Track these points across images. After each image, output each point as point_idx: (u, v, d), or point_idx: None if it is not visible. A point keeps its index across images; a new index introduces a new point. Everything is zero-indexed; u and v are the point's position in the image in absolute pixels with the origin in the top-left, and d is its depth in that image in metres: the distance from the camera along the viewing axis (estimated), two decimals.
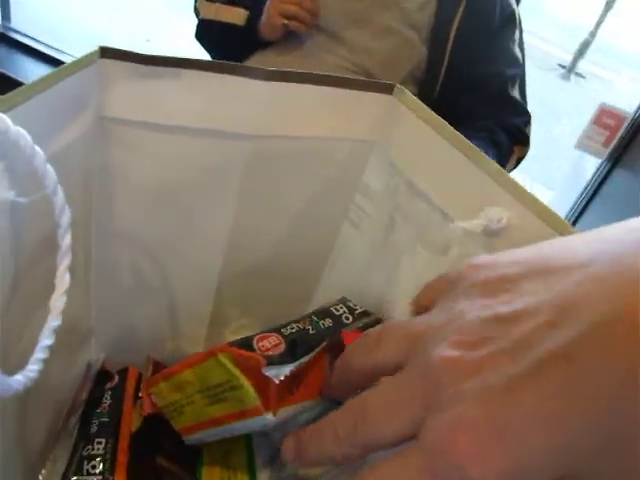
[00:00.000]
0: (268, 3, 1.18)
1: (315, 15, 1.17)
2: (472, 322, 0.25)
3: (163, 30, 4.44)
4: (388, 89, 0.48)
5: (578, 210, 2.13)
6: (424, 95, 1.22)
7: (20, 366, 0.28)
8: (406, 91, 0.47)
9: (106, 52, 0.38)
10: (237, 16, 1.24)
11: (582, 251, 0.24)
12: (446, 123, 0.42)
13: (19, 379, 0.26)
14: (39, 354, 0.27)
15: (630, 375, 0.20)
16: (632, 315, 0.20)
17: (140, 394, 0.52)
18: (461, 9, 1.19)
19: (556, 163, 3.67)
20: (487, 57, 1.23)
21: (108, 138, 0.43)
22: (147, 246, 0.51)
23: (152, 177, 0.46)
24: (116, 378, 0.55)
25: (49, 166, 0.27)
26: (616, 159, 2.01)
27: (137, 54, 0.39)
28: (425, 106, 0.45)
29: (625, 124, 1.97)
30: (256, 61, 1.26)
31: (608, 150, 2.02)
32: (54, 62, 2.55)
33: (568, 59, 6.28)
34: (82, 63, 0.37)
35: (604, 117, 2.01)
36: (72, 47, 2.87)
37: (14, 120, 0.26)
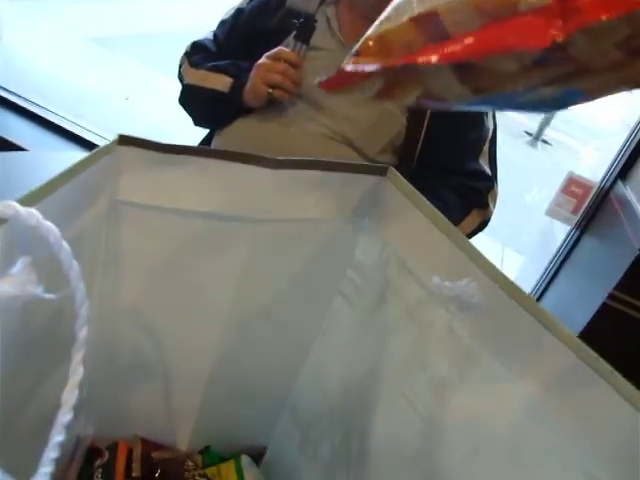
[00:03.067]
0: (253, 72, 1.20)
1: (298, 84, 1.20)
2: None
3: (141, 88, 4.50)
4: (382, 171, 0.50)
5: (549, 276, 2.16)
6: (404, 164, 1.25)
7: (21, 462, 0.26)
8: (397, 173, 0.49)
9: (123, 140, 0.40)
10: (221, 83, 1.27)
11: None
12: (432, 206, 0.44)
13: None
14: (51, 453, 0.26)
15: None
16: None
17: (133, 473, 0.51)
18: None
19: (526, 228, 3.75)
20: (460, 127, 1.26)
21: (119, 219, 0.44)
22: (147, 322, 0.51)
23: (159, 256, 0.47)
24: (106, 454, 0.53)
25: (74, 261, 0.28)
26: (585, 226, 2.06)
27: (152, 142, 0.40)
28: (413, 188, 0.47)
29: (592, 193, 2.03)
30: (239, 127, 1.27)
31: (577, 217, 2.08)
32: (39, 120, 2.57)
33: (534, 127, 6.50)
34: (102, 153, 0.38)
35: (572, 186, 2.07)
36: (56, 105, 2.89)
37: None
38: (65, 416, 0.27)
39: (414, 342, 0.45)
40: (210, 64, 1.30)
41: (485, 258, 0.38)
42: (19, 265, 0.26)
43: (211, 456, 0.65)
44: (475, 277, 0.38)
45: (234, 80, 1.25)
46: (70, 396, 0.27)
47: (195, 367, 0.56)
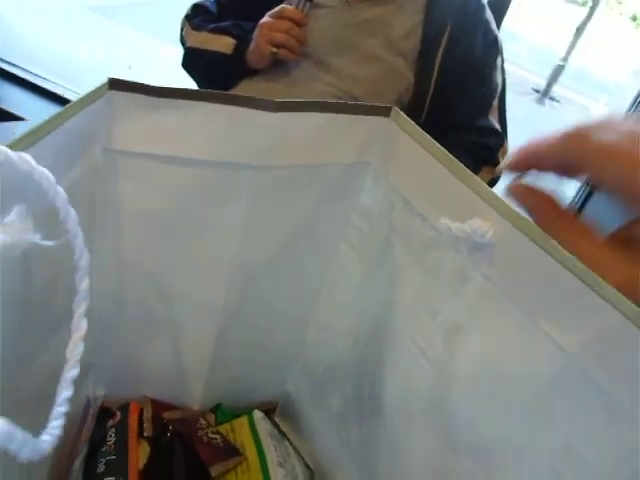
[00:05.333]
0: (257, 31, 1.17)
1: (302, 43, 1.18)
2: None
3: (144, 57, 4.45)
4: (385, 112, 0.48)
5: None
6: (412, 120, 1.23)
7: (31, 421, 0.26)
8: (401, 113, 0.47)
9: (115, 84, 0.38)
10: (224, 45, 1.24)
11: None
12: (439, 146, 0.43)
13: (47, 439, 0.24)
14: (61, 407, 0.25)
15: None
16: None
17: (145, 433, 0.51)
18: (446, 35, 1.21)
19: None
20: (469, 81, 1.24)
21: (115, 170, 0.42)
22: (151, 278, 0.50)
23: (158, 208, 0.46)
24: (118, 415, 0.53)
25: (71, 208, 0.27)
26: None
27: (145, 85, 0.38)
28: (419, 128, 0.46)
29: None
30: (243, 89, 1.25)
31: None
32: (39, 90, 2.54)
33: (542, 84, 6.41)
34: (92, 97, 0.36)
35: None
36: (56, 75, 2.87)
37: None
38: (71, 371, 0.26)
39: (423, 287, 0.44)
40: (212, 26, 1.28)
41: (496, 195, 0.36)
42: (14, 213, 0.25)
43: (224, 413, 0.65)
44: (486, 215, 0.37)
45: (237, 41, 1.22)
46: (75, 351, 0.27)
47: (202, 323, 0.55)
